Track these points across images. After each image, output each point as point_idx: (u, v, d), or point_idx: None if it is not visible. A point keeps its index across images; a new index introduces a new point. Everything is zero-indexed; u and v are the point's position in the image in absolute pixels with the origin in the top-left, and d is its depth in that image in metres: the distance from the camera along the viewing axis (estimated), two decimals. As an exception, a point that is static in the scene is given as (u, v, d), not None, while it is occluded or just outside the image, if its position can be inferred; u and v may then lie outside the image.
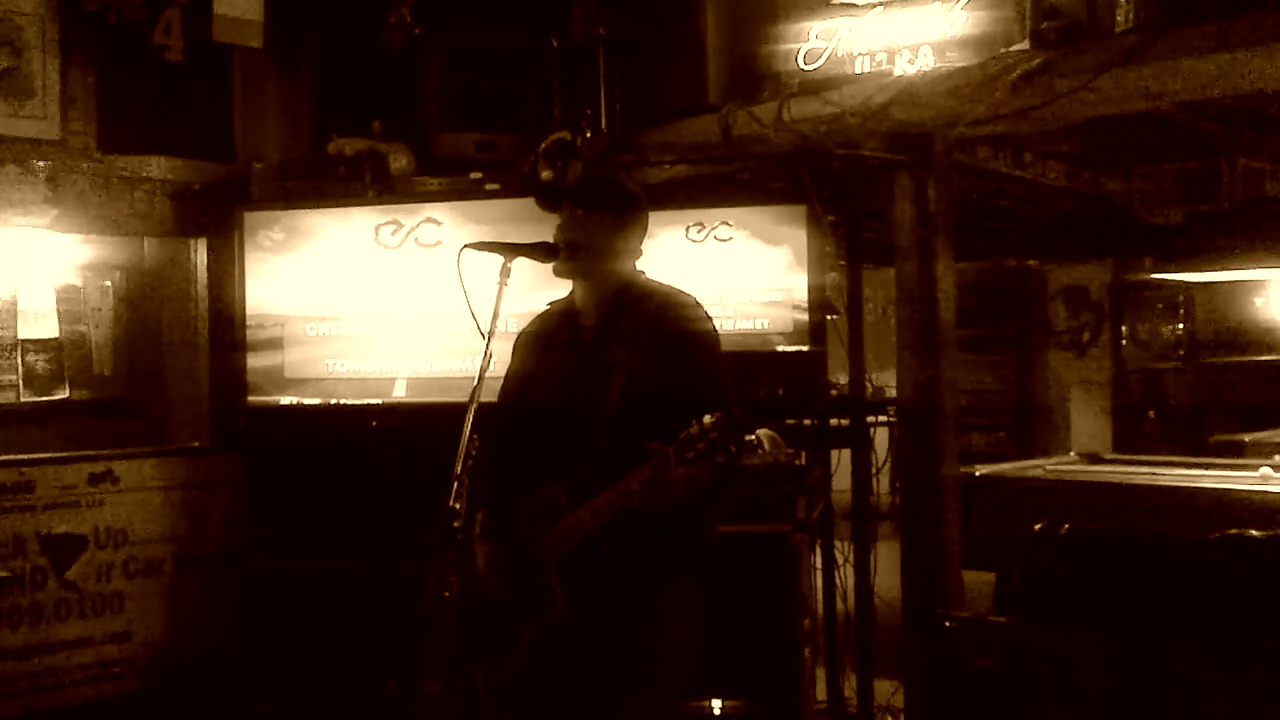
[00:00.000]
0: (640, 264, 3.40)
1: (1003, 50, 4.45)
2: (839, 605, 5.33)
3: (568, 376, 3.29)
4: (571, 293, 3.40)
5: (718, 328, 3.38)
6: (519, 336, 3.46)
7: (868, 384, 5.36)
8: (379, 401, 5.43)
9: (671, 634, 3.20)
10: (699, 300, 3.36)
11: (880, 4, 4.85)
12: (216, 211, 5.81)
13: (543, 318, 3.47)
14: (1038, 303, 11.70)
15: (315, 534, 5.38)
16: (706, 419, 2.90)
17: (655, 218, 5.06)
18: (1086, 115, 4.65)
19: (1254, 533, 3.85)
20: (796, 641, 4.81)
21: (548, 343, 3.39)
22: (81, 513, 5.32)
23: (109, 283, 6.17)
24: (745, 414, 3.05)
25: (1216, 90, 4.33)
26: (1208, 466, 6.55)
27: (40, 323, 5.86)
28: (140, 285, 6.27)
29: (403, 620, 3.09)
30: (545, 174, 5.33)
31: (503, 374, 3.42)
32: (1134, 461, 7.17)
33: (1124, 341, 11.30)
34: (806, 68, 4.99)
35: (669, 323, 3.26)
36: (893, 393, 5.27)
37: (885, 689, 5.29)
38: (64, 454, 5.47)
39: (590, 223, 3.26)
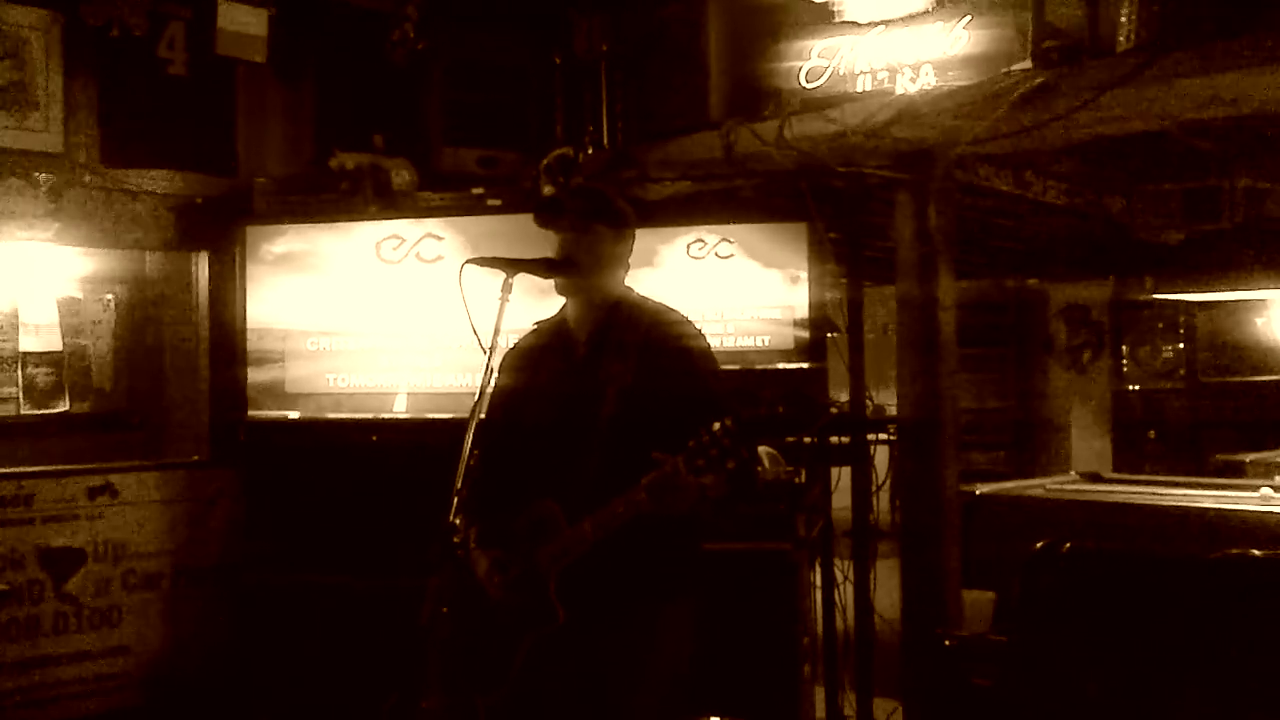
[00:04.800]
0: (642, 280, 3.41)
1: (1004, 69, 4.47)
2: (838, 623, 5.31)
3: (561, 393, 3.28)
4: (562, 310, 3.39)
5: (718, 344, 3.38)
6: (506, 354, 3.43)
7: (868, 401, 5.34)
8: (379, 416, 5.43)
9: (668, 652, 3.20)
10: (688, 318, 3.37)
11: (882, 22, 4.86)
12: (218, 225, 5.80)
13: (532, 335, 3.46)
14: (1038, 321, 11.69)
15: (314, 548, 5.37)
16: (716, 425, 2.86)
17: (657, 234, 5.16)
18: (1088, 135, 4.66)
19: (1255, 552, 3.85)
20: (796, 659, 4.81)
21: (539, 359, 3.39)
22: (80, 526, 5.32)
23: (110, 296, 6.17)
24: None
25: (1218, 111, 4.33)
26: (1208, 486, 6.53)
27: (41, 335, 5.86)
28: (141, 299, 6.27)
29: (402, 635, 3.08)
30: (547, 190, 5.34)
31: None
32: (1134, 481, 7.15)
33: (1124, 360, 11.31)
34: (808, 85, 5.01)
35: (662, 338, 3.26)
36: (893, 410, 5.26)
37: (885, 707, 5.27)
38: (63, 467, 5.47)
39: (590, 237, 3.26)
